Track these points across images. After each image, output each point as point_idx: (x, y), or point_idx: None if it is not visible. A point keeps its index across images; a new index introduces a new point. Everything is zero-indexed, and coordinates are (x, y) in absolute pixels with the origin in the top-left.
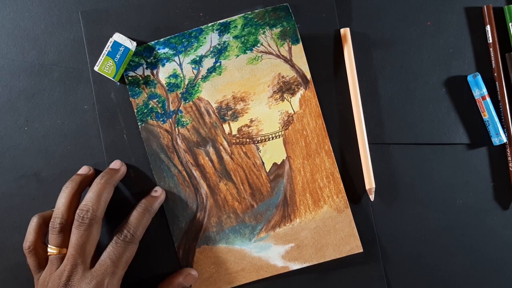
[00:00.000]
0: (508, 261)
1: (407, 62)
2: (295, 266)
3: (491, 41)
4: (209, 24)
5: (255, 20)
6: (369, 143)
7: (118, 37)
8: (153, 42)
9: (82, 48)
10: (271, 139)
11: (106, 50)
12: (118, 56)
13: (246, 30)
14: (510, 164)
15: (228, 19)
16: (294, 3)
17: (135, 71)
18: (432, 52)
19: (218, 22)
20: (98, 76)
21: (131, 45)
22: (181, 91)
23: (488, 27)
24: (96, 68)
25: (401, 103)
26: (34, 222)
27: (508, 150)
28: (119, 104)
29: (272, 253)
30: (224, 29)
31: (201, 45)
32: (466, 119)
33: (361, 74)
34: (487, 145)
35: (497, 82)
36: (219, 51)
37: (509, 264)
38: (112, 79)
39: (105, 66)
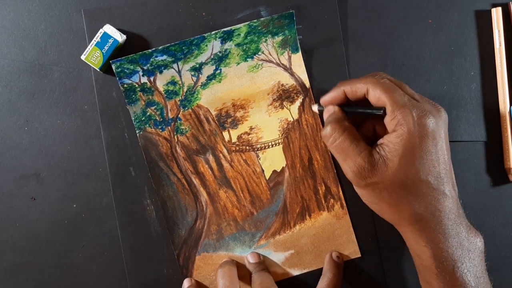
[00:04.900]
0: (508, 261)
1: (408, 60)
2: (295, 272)
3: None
4: (212, 32)
5: (259, 28)
6: None
7: (108, 28)
8: (150, 50)
9: (82, 48)
10: (270, 146)
11: (94, 41)
12: (106, 48)
13: (248, 38)
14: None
15: (233, 27)
16: (297, 4)
17: (131, 79)
18: (433, 50)
19: (222, 30)
20: (100, 75)
21: (121, 38)
22: (180, 98)
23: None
24: (83, 57)
25: None
26: None
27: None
28: (120, 102)
29: (272, 260)
30: (227, 37)
31: (201, 53)
32: (468, 117)
33: (362, 73)
34: (487, 143)
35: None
36: (220, 59)
37: (509, 264)
38: (98, 70)
39: (92, 56)
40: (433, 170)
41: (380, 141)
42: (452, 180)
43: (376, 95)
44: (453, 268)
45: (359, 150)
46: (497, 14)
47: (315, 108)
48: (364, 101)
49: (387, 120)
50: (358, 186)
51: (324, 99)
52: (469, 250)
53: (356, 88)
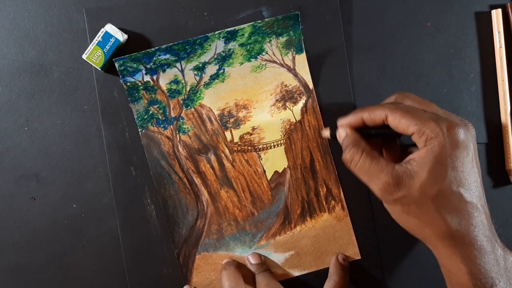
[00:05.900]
0: None
1: (407, 63)
2: (294, 273)
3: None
4: (216, 32)
5: (263, 28)
6: None
7: (110, 28)
8: (153, 49)
9: (82, 48)
10: (272, 147)
11: (96, 40)
12: (107, 47)
13: (252, 38)
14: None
15: (236, 27)
16: (299, 4)
17: (134, 77)
18: (432, 52)
19: (225, 30)
20: (102, 74)
21: (122, 37)
22: (183, 97)
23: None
24: (84, 56)
25: None
26: None
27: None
28: (121, 102)
29: (272, 260)
30: (231, 37)
31: (205, 52)
32: (468, 119)
33: (361, 76)
34: (488, 145)
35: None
36: (223, 58)
37: None
38: (99, 69)
39: (93, 55)
40: (465, 182)
41: (409, 157)
42: (484, 196)
43: (396, 119)
44: (492, 286)
45: (381, 167)
46: (497, 16)
47: (327, 133)
48: (382, 128)
49: (415, 138)
50: (387, 203)
51: (341, 122)
52: (506, 269)
53: (374, 115)
